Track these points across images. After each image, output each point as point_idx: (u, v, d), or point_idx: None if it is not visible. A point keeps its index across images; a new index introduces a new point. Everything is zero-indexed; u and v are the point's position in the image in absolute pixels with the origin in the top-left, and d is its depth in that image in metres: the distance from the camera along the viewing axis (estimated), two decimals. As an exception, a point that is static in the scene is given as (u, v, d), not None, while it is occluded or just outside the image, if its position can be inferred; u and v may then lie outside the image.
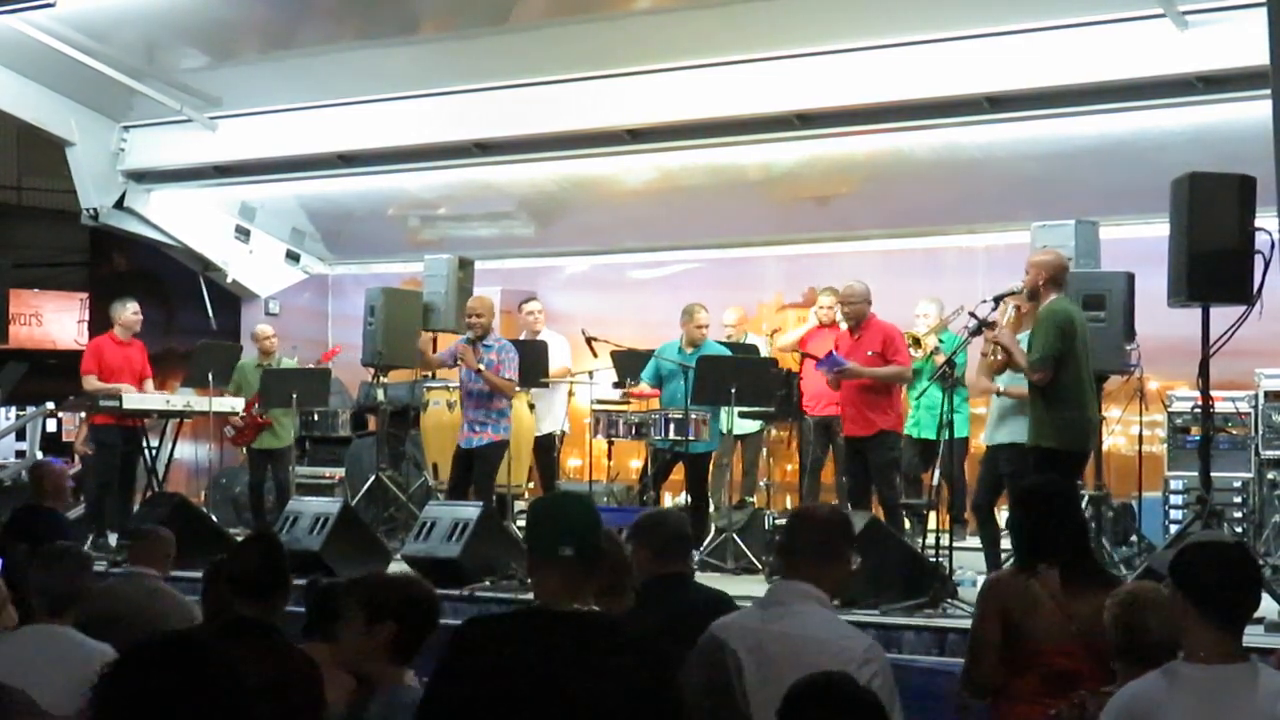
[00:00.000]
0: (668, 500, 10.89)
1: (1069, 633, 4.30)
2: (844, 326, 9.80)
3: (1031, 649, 4.32)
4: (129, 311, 11.24)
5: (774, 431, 11.12)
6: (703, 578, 8.59)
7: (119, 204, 13.79)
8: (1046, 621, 4.33)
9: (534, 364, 10.54)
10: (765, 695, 3.59)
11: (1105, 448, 9.27)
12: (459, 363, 10.01)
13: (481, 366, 9.80)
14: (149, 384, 11.31)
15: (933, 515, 8.64)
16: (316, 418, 12.35)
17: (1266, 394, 9.53)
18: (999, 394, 8.49)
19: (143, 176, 13.86)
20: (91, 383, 10.98)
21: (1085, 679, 4.20)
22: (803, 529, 3.98)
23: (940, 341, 9.89)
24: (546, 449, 11.11)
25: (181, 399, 11.50)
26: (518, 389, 10.21)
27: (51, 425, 16.70)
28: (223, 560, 4.85)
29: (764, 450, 10.96)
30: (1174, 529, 8.95)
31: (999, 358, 7.98)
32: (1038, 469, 7.55)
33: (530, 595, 3.50)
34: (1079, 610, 4.30)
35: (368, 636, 3.86)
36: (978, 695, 4.49)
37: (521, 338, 11.57)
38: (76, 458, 13.60)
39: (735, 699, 3.70)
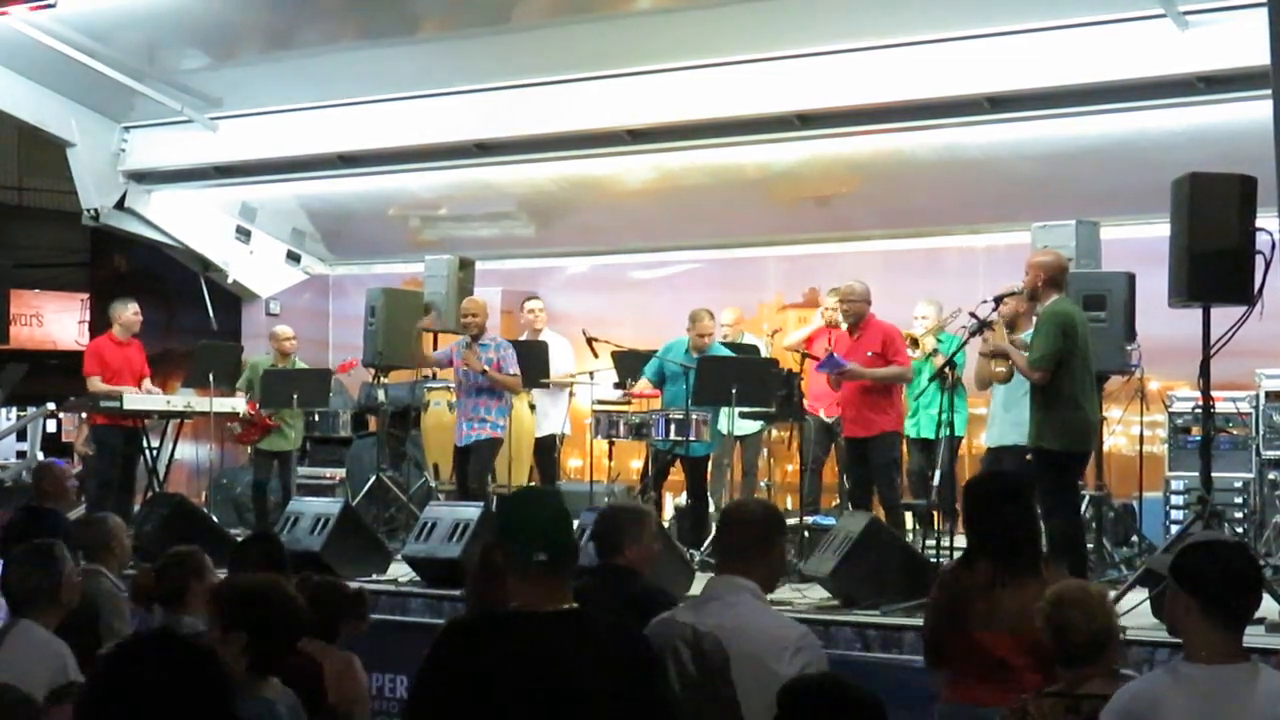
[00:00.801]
0: (668, 500, 10.89)
1: (995, 622, 4.40)
2: (843, 326, 9.81)
3: (968, 636, 4.45)
4: (129, 312, 11.25)
5: (774, 431, 11.11)
6: (704, 578, 8.63)
7: (120, 204, 13.79)
8: (978, 612, 4.44)
9: (534, 364, 10.54)
10: (705, 690, 3.67)
11: (1106, 448, 9.28)
12: (463, 364, 10.00)
13: (486, 367, 9.83)
14: (147, 383, 11.32)
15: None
16: (317, 418, 12.34)
17: (1267, 394, 9.53)
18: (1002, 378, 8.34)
19: (143, 177, 13.86)
20: (96, 384, 11.00)
21: (1021, 670, 4.32)
22: (735, 525, 4.08)
23: (939, 342, 9.89)
24: (547, 450, 11.11)
25: (182, 399, 11.51)
26: (523, 390, 10.25)
27: (50, 426, 16.71)
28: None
29: (763, 450, 10.96)
30: (1175, 529, 8.95)
31: (1001, 369, 7.98)
32: (1039, 470, 7.56)
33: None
34: (1005, 604, 4.40)
35: (223, 645, 3.73)
36: (929, 668, 4.74)
37: (523, 337, 11.58)
38: (77, 458, 13.60)
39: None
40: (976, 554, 4.56)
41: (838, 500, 10.48)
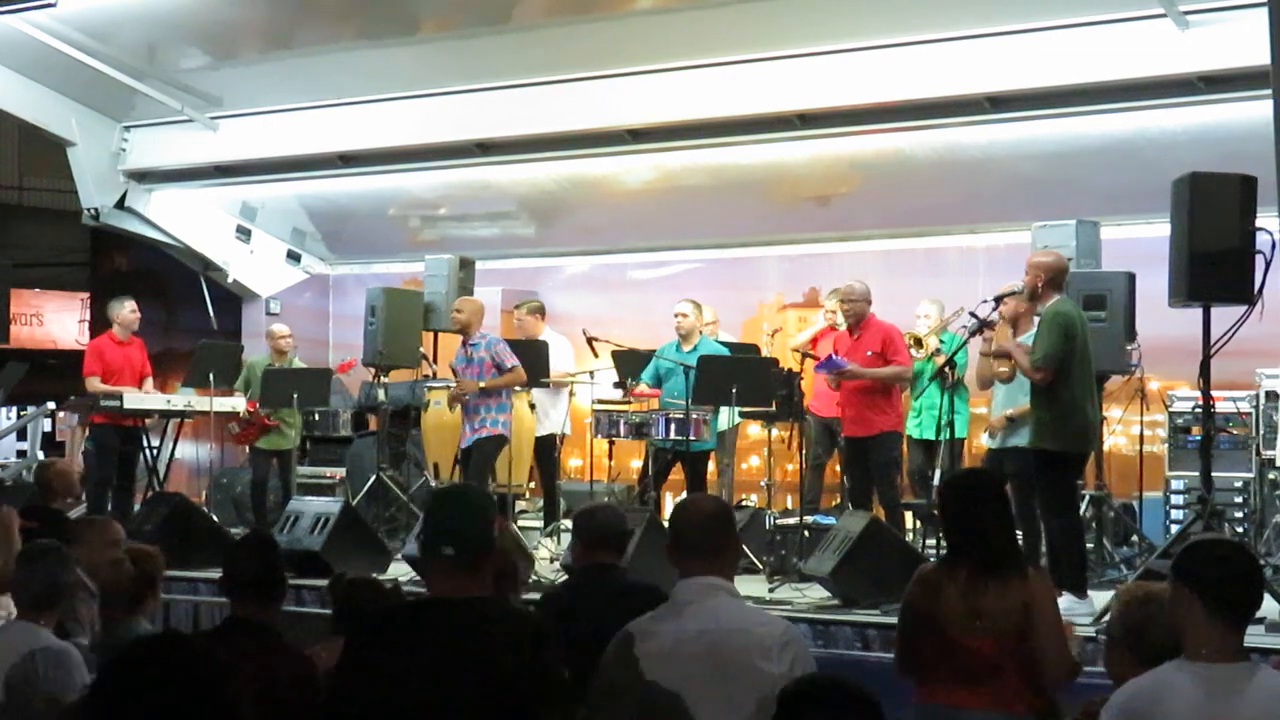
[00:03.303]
0: (668, 500, 10.89)
1: (975, 626, 4.35)
2: (842, 326, 9.82)
3: (946, 640, 4.38)
4: (127, 310, 11.26)
5: (775, 431, 11.12)
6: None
7: (120, 204, 13.79)
8: (957, 615, 4.37)
9: (534, 364, 10.54)
10: (703, 694, 3.65)
11: (1106, 448, 9.28)
12: (460, 393, 9.96)
13: (480, 385, 9.81)
14: (149, 382, 11.33)
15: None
16: (317, 417, 12.35)
17: (1267, 394, 9.53)
18: (1010, 419, 8.38)
19: (144, 176, 13.86)
20: (95, 384, 11.01)
21: (998, 673, 4.29)
22: (688, 524, 4.00)
23: (941, 342, 9.89)
24: (547, 449, 11.10)
25: (182, 399, 11.52)
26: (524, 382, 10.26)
27: (46, 425, 16.70)
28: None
29: (733, 447, 10.94)
30: (1175, 529, 8.96)
31: (1004, 369, 7.98)
32: (1039, 471, 7.57)
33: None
34: (984, 605, 4.35)
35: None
36: (901, 674, 4.58)
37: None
38: (80, 457, 13.60)
39: (638, 698, 3.76)
40: (957, 555, 4.50)
41: (838, 500, 10.48)
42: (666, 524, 4.11)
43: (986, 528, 4.47)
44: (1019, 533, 8.29)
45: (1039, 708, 4.33)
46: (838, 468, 10.48)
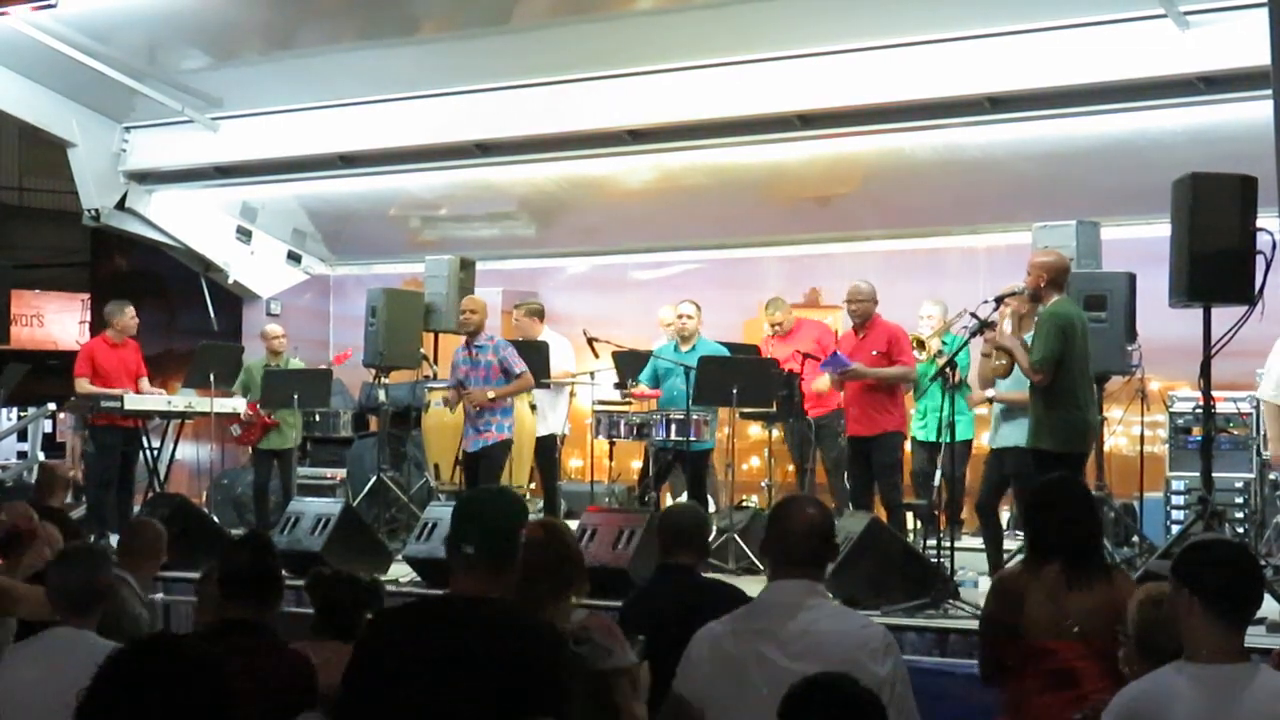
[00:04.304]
0: (668, 500, 10.89)
1: (1067, 630, 4.32)
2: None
3: (1031, 645, 4.35)
4: (126, 316, 11.26)
5: (775, 431, 11.12)
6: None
7: (120, 205, 13.79)
8: (1044, 619, 4.35)
9: (535, 364, 10.54)
10: None
11: (1107, 448, 9.27)
12: (471, 405, 9.94)
13: (492, 394, 9.80)
14: (144, 383, 11.33)
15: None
16: (318, 418, 12.35)
17: (1268, 394, 9.52)
18: (991, 400, 8.57)
19: (144, 177, 13.86)
20: (84, 386, 11.00)
21: (1087, 676, 4.24)
22: (793, 529, 3.89)
23: (944, 344, 9.88)
24: (547, 449, 11.10)
25: (183, 400, 11.52)
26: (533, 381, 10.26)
27: (47, 426, 16.72)
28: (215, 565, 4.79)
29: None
30: (1175, 530, 8.95)
31: (1002, 362, 7.98)
32: (1038, 470, 7.56)
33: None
34: (1076, 608, 4.33)
35: None
36: (986, 683, 4.59)
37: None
38: (80, 457, 13.61)
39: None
40: (1042, 558, 4.47)
41: (836, 502, 10.47)
42: (769, 523, 4.04)
43: (1077, 530, 4.48)
44: (1020, 532, 8.42)
45: None
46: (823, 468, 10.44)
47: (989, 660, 4.53)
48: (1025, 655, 4.36)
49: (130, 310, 11.31)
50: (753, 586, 4.40)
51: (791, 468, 10.86)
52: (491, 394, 9.81)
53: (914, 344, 9.54)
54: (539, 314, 11.60)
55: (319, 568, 5.16)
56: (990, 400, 8.63)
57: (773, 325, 10.98)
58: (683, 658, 3.84)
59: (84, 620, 4.47)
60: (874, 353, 9.27)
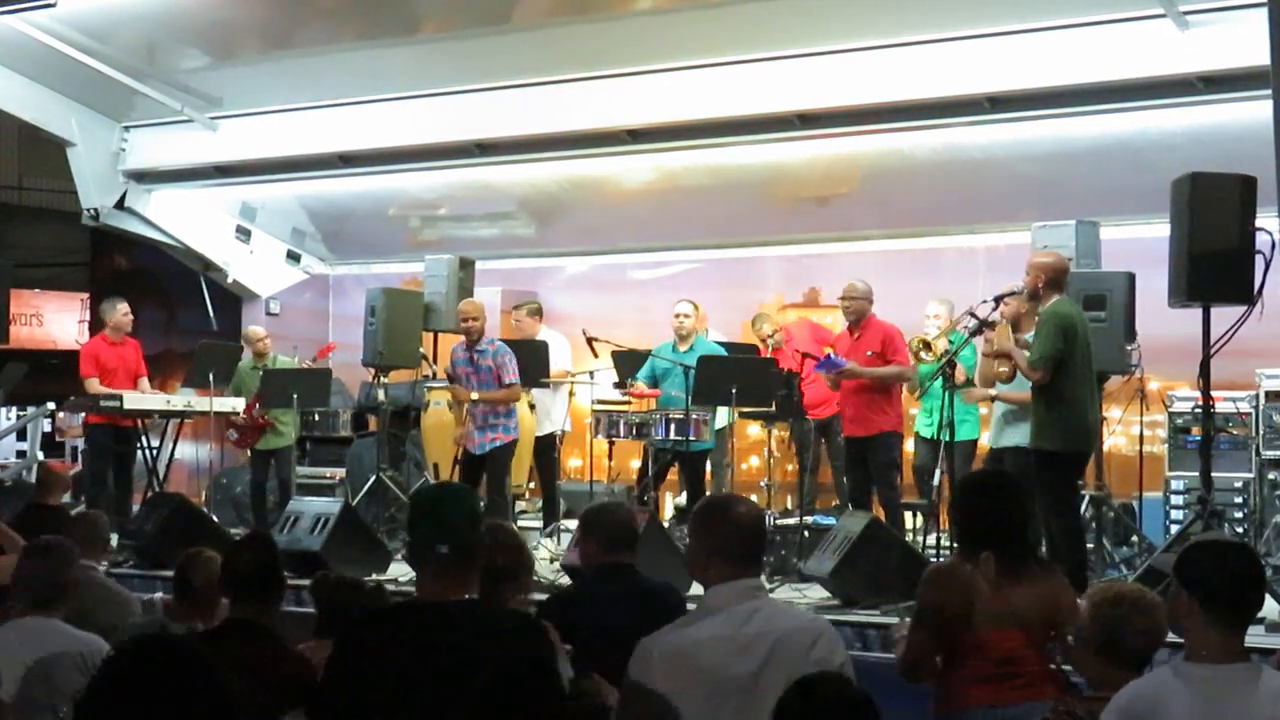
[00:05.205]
0: (667, 500, 10.89)
1: (1008, 619, 4.36)
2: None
3: (974, 635, 4.36)
4: (119, 313, 11.27)
5: (775, 431, 11.12)
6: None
7: (120, 204, 13.79)
8: (989, 608, 4.37)
9: (534, 364, 10.55)
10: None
11: (1106, 448, 9.28)
12: (456, 400, 9.98)
13: (475, 395, 9.79)
14: (144, 382, 11.33)
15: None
16: (317, 418, 12.35)
17: (1267, 394, 9.52)
18: (994, 399, 8.58)
19: (143, 176, 13.86)
20: (95, 386, 11.03)
21: (1027, 666, 4.33)
22: (737, 530, 3.80)
23: (950, 344, 9.87)
24: (547, 449, 11.10)
25: (182, 399, 11.53)
26: (523, 392, 10.25)
27: (46, 425, 16.71)
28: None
29: (730, 446, 10.97)
30: (1175, 529, 8.95)
31: (1004, 369, 7.98)
32: (1039, 470, 7.57)
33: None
34: (1017, 599, 4.38)
35: None
36: (909, 678, 4.49)
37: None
38: (79, 456, 13.61)
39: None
40: (970, 549, 4.50)
41: (837, 500, 10.48)
42: (692, 528, 3.92)
43: (1012, 522, 4.50)
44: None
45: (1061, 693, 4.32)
46: (828, 468, 10.46)
47: (918, 652, 4.43)
48: (969, 644, 4.37)
49: (122, 307, 11.31)
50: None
51: (792, 467, 10.86)
52: (475, 396, 9.79)
53: (920, 346, 9.51)
54: (538, 313, 11.62)
55: (324, 571, 5.18)
56: (993, 399, 8.62)
57: (763, 341, 11.03)
58: (637, 666, 3.65)
59: (48, 612, 4.63)
60: (869, 353, 9.27)
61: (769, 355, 10.86)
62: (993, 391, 8.56)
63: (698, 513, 3.94)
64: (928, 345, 9.61)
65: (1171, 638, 3.82)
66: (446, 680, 3.17)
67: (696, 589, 3.96)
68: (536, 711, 3.11)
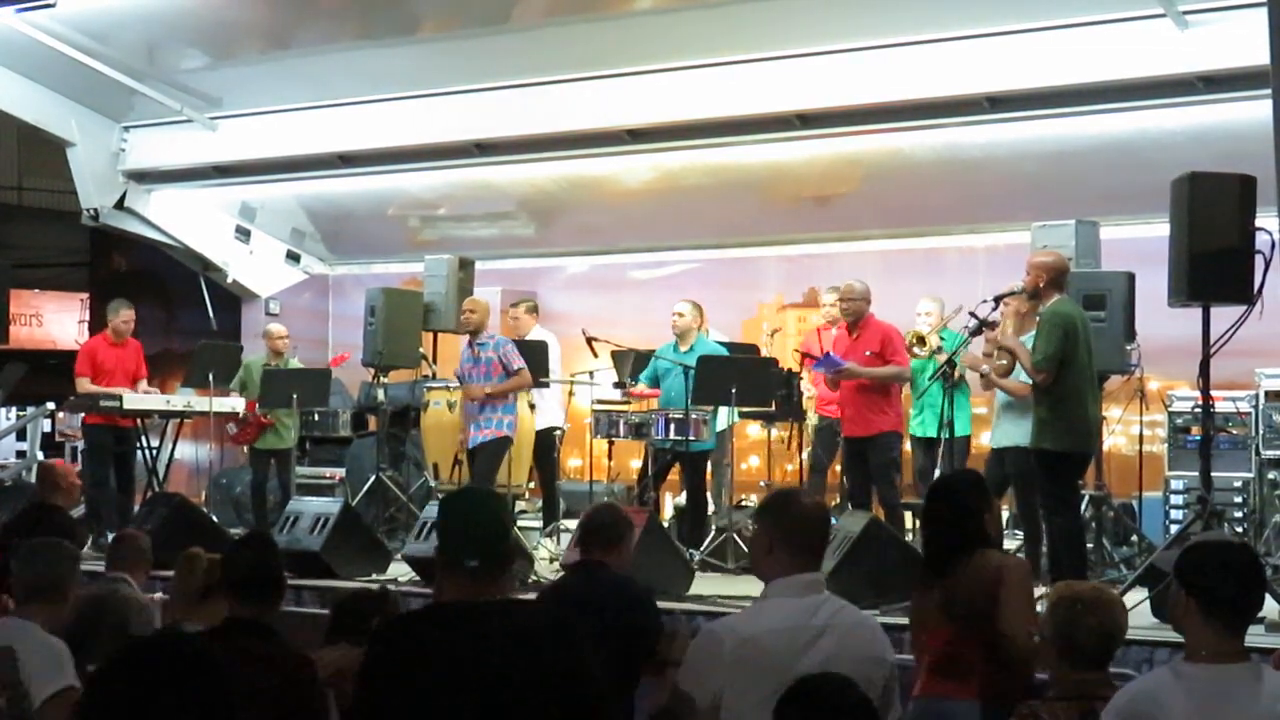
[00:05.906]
0: (667, 500, 10.89)
1: (947, 620, 4.41)
2: (833, 331, 9.81)
3: (920, 637, 4.51)
4: (120, 318, 11.24)
5: (775, 431, 11.12)
6: (703, 578, 8.65)
7: (119, 204, 13.79)
8: (935, 611, 4.46)
9: (534, 364, 10.54)
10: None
11: (1106, 448, 9.28)
12: (465, 398, 9.98)
13: (488, 389, 9.81)
14: (142, 384, 11.32)
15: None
16: (317, 418, 12.34)
17: (1267, 394, 9.52)
18: (985, 378, 8.54)
19: (143, 177, 13.87)
20: (85, 385, 11.00)
21: (967, 658, 4.34)
22: (805, 522, 3.83)
23: (942, 339, 9.88)
24: (546, 448, 11.10)
25: (182, 399, 11.52)
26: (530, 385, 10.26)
27: (46, 425, 16.71)
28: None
29: (730, 446, 10.96)
30: (1174, 529, 8.95)
31: (1004, 362, 7.98)
32: (1040, 470, 7.57)
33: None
34: (941, 594, 4.43)
35: None
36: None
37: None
38: (79, 457, 13.60)
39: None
40: (935, 571, 4.57)
41: (838, 500, 10.47)
42: (757, 520, 3.95)
43: (938, 518, 4.57)
44: (1019, 532, 8.43)
45: (1015, 698, 4.27)
46: (838, 468, 10.45)
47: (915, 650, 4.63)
48: (919, 648, 4.50)
49: (124, 313, 11.25)
50: (752, 587, 4.39)
51: (792, 467, 10.86)
52: (488, 388, 9.82)
53: (913, 340, 9.52)
54: (535, 310, 11.63)
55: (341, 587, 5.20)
56: (984, 377, 8.56)
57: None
58: (704, 651, 3.65)
59: (33, 612, 4.62)
60: (867, 353, 9.26)
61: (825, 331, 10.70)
62: (985, 367, 8.50)
63: (763, 506, 3.97)
64: (921, 339, 9.62)
65: (1172, 637, 3.83)
66: (484, 676, 3.04)
67: (696, 588, 3.97)
68: (583, 711, 3.06)
